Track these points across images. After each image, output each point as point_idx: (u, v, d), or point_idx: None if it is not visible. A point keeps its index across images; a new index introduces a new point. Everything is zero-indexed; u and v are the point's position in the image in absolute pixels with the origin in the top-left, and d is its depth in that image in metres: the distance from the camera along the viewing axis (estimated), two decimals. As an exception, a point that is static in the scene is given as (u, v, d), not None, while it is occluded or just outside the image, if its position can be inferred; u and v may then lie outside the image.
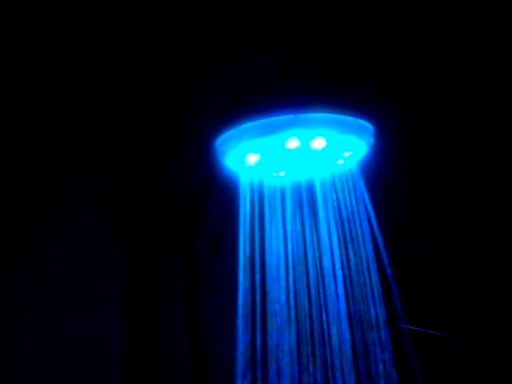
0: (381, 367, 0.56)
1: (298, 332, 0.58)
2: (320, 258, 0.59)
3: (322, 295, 0.58)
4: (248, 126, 0.53)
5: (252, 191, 0.59)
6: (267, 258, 0.58)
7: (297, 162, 0.60)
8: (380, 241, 0.57)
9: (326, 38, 0.67)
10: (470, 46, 0.70)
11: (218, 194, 0.66)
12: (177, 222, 0.69)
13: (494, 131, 0.70)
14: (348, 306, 0.58)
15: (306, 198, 0.60)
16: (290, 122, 0.52)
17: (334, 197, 0.59)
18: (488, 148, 0.70)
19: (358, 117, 0.55)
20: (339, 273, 0.58)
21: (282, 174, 0.61)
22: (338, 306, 0.57)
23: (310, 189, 0.61)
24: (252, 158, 0.57)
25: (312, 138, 0.55)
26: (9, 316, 0.59)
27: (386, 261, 0.57)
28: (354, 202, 0.58)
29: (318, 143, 0.56)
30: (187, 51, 0.70)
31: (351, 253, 0.59)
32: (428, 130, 0.73)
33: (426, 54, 0.72)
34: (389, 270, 0.57)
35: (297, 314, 0.58)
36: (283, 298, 0.58)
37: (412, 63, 0.72)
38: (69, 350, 0.63)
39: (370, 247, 0.58)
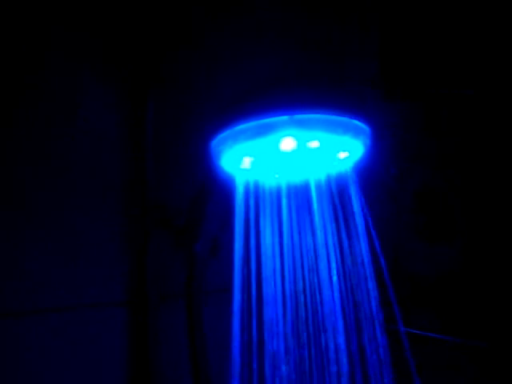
0: (377, 370, 0.56)
1: (295, 333, 0.58)
2: (316, 259, 0.58)
3: (317, 296, 0.58)
4: (241, 127, 0.53)
5: (248, 193, 0.59)
6: (263, 260, 0.58)
7: (293, 163, 0.59)
8: (377, 243, 0.56)
9: (322, 36, 0.67)
10: (474, 43, 0.69)
11: (216, 197, 0.67)
12: (175, 225, 0.69)
13: (498, 131, 0.69)
14: (344, 309, 0.57)
15: (302, 200, 0.60)
16: (283, 123, 0.52)
17: (330, 198, 0.58)
18: (494, 147, 0.69)
19: (356, 118, 0.54)
20: (335, 276, 0.57)
21: (277, 175, 0.61)
22: (334, 309, 0.57)
23: (307, 190, 0.60)
24: (247, 160, 0.57)
25: (307, 140, 0.55)
26: (6, 317, 0.59)
27: (383, 263, 0.56)
28: (350, 204, 0.58)
29: (314, 142, 0.55)
30: (186, 52, 0.71)
31: (348, 255, 0.58)
32: (429, 130, 0.72)
33: (426, 53, 0.71)
34: (386, 273, 0.56)
35: (293, 316, 0.58)
36: (279, 300, 0.58)
37: (412, 62, 0.71)
38: (68, 353, 0.63)
39: (366, 249, 0.57)
